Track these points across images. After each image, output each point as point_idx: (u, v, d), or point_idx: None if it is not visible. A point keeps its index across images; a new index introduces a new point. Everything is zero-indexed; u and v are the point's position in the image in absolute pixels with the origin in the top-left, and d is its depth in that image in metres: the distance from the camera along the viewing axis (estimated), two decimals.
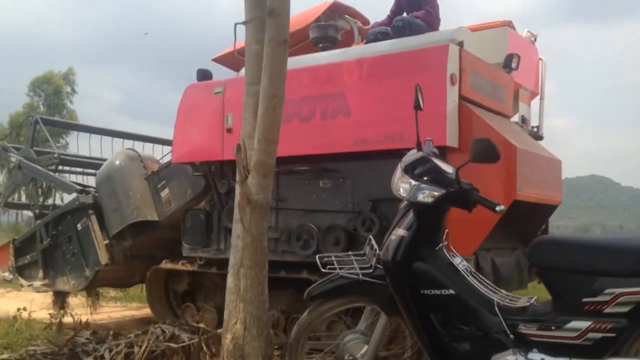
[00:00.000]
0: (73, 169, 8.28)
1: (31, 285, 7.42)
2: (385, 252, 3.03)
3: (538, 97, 6.44)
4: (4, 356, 3.55)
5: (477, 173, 4.20)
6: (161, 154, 8.02)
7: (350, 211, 4.92)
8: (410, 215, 3.03)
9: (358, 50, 5.29)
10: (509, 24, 5.76)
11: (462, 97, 4.44)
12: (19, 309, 6.35)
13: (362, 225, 4.80)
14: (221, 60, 7.11)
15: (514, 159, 4.15)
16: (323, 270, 3.17)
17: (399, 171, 3.11)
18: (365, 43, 5.86)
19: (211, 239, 5.84)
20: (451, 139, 4.33)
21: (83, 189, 7.12)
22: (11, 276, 7.72)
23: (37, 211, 7.83)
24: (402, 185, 3.05)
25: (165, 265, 6.38)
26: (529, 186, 4.37)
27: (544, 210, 4.94)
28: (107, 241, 6.78)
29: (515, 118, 5.91)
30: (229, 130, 5.48)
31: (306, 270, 5.11)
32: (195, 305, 6.44)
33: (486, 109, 4.78)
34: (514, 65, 5.33)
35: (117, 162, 6.89)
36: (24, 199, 9.06)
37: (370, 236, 3.24)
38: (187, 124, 5.86)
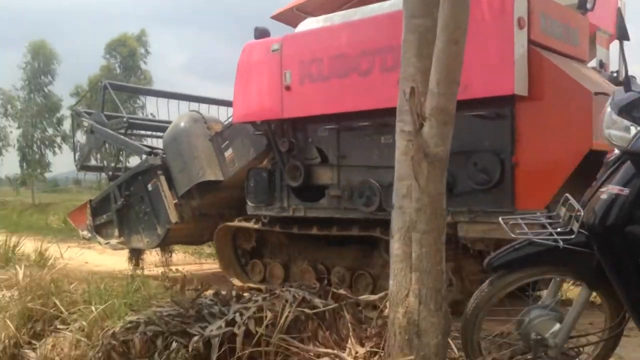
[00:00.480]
0: (143, 132, 8.47)
1: (108, 243, 7.76)
2: (591, 213, 2.54)
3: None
4: (132, 317, 3.50)
5: (551, 120, 3.98)
6: (226, 116, 8.07)
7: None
8: (629, 168, 2.49)
9: (377, 7, 5.03)
10: None
11: (531, 42, 4.15)
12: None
13: None
14: (280, 17, 6.96)
15: (590, 106, 3.86)
16: (512, 235, 2.70)
17: (608, 114, 2.60)
18: None
19: (274, 197, 5.85)
20: (520, 88, 4.07)
21: (152, 151, 7.30)
22: (90, 235, 8.09)
23: (110, 173, 8.12)
24: (616, 132, 2.53)
25: (232, 223, 6.47)
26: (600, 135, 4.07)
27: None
28: (176, 200, 6.95)
29: (593, 63, 5.55)
30: (288, 88, 5.40)
31: (379, 228, 5.04)
32: (262, 262, 6.53)
33: (559, 53, 4.46)
34: (589, 5, 4.93)
35: (182, 124, 6.98)
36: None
37: (567, 194, 2.76)
38: (246, 83, 5.81)
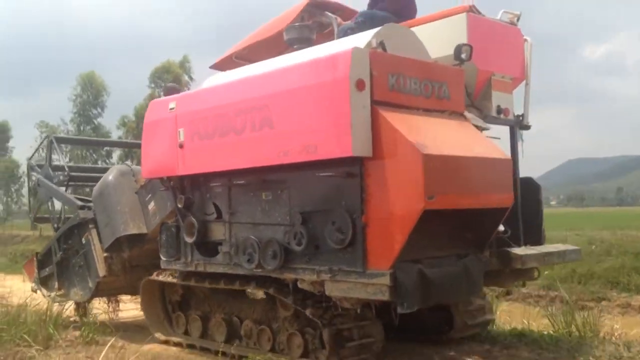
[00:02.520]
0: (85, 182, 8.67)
1: (49, 295, 7.91)
2: None
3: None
4: None
5: (391, 181, 3.99)
6: None
7: (287, 224, 4.79)
8: None
9: (279, 61, 5.13)
10: (469, 9, 5.33)
11: (375, 102, 4.17)
12: None
13: (294, 239, 4.67)
14: (220, 66, 7.13)
15: (420, 166, 3.84)
16: None
17: None
18: (337, 38, 5.68)
19: (180, 251, 5.91)
20: (361, 149, 4.08)
21: (84, 205, 7.47)
22: (36, 287, 8.26)
23: (56, 225, 8.31)
24: None
25: (152, 277, 6.54)
26: (450, 193, 4.04)
27: (492, 215, 4.55)
28: (106, 254, 7.07)
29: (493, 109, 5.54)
30: (181, 146, 5.50)
31: (254, 283, 5.07)
32: (184, 315, 6.56)
33: (418, 109, 4.47)
34: (463, 56, 4.94)
35: (110, 178, 7.15)
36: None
37: None
38: (150, 139, 5.95)
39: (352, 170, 4.26)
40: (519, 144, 5.94)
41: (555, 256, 5.23)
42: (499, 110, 5.55)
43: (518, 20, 5.97)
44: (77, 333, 6.35)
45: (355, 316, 4.80)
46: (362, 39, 4.58)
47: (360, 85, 4.07)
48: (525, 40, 5.93)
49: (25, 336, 5.62)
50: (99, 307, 8.31)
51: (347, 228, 4.27)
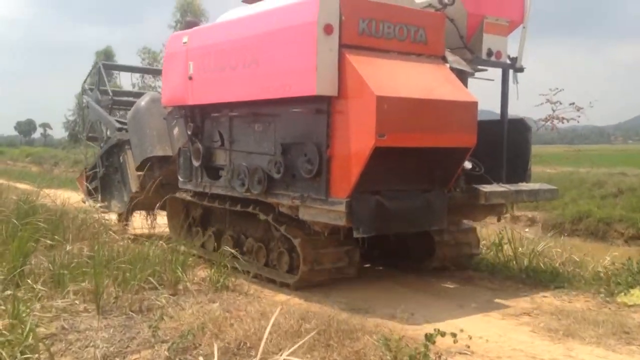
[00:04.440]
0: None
1: (94, 206, 8.89)
2: None
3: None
4: None
5: (351, 118, 4.42)
6: None
7: (271, 154, 5.31)
8: None
9: (264, 5, 5.46)
10: None
11: (344, 45, 4.52)
12: None
13: (274, 167, 5.20)
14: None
15: (373, 107, 4.22)
16: None
17: None
18: None
19: (192, 174, 6.58)
20: (325, 88, 4.49)
21: (122, 127, 8.25)
22: (85, 198, 9.27)
23: (102, 144, 9.20)
24: None
25: (174, 194, 7.29)
26: (403, 132, 4.41)
27: (454, 154, 4.89)
28: (139, 172, 7.87)
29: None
30: (190, 78, 6.05)
31: (252, 205, 5.66)
32: (202, 230, 7.30)
33: (392, 52, 4.78)
34: (447, 0, 5.14)
35: (142, 104, 7.83)
36: None
37: None
38: (168, 71, 6.54)
39: (320, 107, 4.69)
40: (514, 85, 6.11)
41: (525, 194, 5.50)
42: (490, 53, 5.72)
43: None
44: (203, 274, 5.57)
45: (329, 239, 5.31)
46: None
47: (327, 29, 4.43)
48: None
49: (152, 279, 4.85)
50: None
51: (315, 160, 4.76)
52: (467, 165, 5.23)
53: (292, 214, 5.19)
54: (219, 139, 6.14)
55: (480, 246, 6.57)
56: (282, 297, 5.14)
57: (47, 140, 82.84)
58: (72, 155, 31.46)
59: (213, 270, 5.35)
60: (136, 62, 31.55)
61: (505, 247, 6.64)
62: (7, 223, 6.02)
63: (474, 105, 4.85)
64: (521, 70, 6.07)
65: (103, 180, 8.71)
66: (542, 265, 6.36)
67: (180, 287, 5.08)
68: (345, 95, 4.49)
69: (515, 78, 6.12)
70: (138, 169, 7.74)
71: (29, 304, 4.09)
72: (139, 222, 9.20)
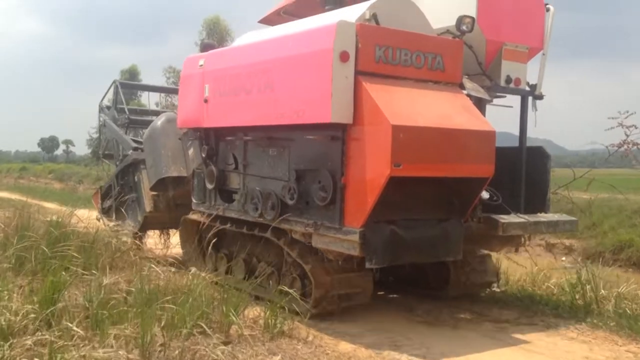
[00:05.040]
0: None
1: (108, 225, 8.89)
2: None
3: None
4: None
5: (367, 147, 4.36)
6: None
7: (285, 180, 5.25)
8: None
9: (280, 29, 5.45)
10: None
11: (360, 72, 4.47)
12: None
13: (288, 193, 5.14)
14: (268, 21, 7.54)
15: (389, 136, 4.15)
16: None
17: None
18: None
19: (205, 196, 6.54)
20: (341, 116, 4.43)
21: (138, 147, 8.26)
22: (99, 216, 9.28)
23: (117, 163, 9.22)
24: None
25: (190, 215, 7.25)
26: (419, 161, 4.33)
27: (471, 184, 4.79)
28: (153, 192, 7.86)
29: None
30: (206, 101, 6.04)
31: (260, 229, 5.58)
32: (215, 253, 7.25)
33: (409, 79, 4.72)
34: (464, 27, 5.08)
35: (158, 124, 7.84)
36: None
37: None
38: (184, 93, 6.54)
39: (335, 134, 4.64)
40: (533, 113, 6.02)
41: (544, 226, 5.38)
42: (508, 80, 5.64)
43: None
44: (253, 314, 4.95)
45: (343, 267, 5.22)
46: (357, 11, 4.83)
47: (343, 56, 4.38)
48: (547, 8, 5.89)
49: (201, 323, 4.20)
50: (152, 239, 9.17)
51: (329, 188, 4.69)
52: (485, 195, 5.12)
53: (305, 241, 5.12)
54: (233, 162, 6.11)
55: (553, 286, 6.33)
56: (345, 346, 4.66)
57: (69, 157, 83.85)
58: (95, 172, 31.76)
59: (267, 313, 4.74)
60: (161, 80, 31.98)
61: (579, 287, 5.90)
62: (37, 249, 5.68)
63: (491, 134, 4.76)
64: (540, 97, 5.98)
65: (118, 198, 8.71)
66: (628, 310, 5.53)
67: (232, 331, 4.49)
68: (360, 123, 4.43)
69: (534, 105, 6.02)
70: (152, 188, 7.72)
71: (65, 354, 3.61)
72: (152, 241, 9.23)
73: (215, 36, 29.97)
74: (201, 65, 6.17)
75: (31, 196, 15.95)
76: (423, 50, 4.80)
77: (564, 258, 13.15)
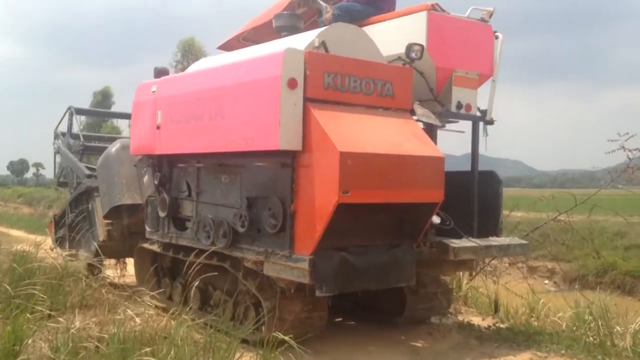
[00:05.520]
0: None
1: (62, 255, 8.66)
2: None
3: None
4: None
5: (315, 174, 4.33)
6: None
7: (236, 207, 5.19)
8: None
9: (233, 56, 5.46)
10: (432, 7, 5.48)
11: (309, 99, 4.47)
12: None
13: (239, 220, 5.07)
14: (227, 47, 7.51)
15: (336, 163, 4.14)
16: None
17: None
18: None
19: (159, 224, 6.42)
20: (289, 143, 4.41)
21: (91, 174, 8.11)
22: (53, 246, 9.04)
23: (72, 190, 9.03)
24: None
25: (143, 244, 7.10)
26: (368, 188, 4.33)
27: (421, 209, 4.81)
28: (107, 220, 7.69)
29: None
30: (158, 127, 5.96)
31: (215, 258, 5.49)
32: (170, 282, 7.10)
33: (358, 106, 4.74)
34: (413, 54, 5.14)
35: (112, 150, 7.72)
36: None
37: None
38: (137, 119, 6.46)
39: (285, 161, 4.61)
40: (483, 138, 6.10)
41: (495, 249, 5.42)
42: (459, 106, 5.71)
43: (491, 16, 6.05)
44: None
45: (296, 295, 5.15)
46: (307, 38, 4.86)
47: (291, 83, 4.38)
48: (496, 36, 6.02)
49: None
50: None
51: (279, 215, 4.65)
52: (436, 220, 5.14)
53: (257, 269, 5.05)
54: (186, 189, 6.03)
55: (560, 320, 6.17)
56: None
57: (39, 180, 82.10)
58: (64, 196, 30.93)
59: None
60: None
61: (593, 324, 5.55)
62: None
63: (440, 160, 4.80)
64: (491, 122, 6.07)
65: (71, 228, 8.51)
66: None
67: None
68: (309, 150, 4.42)
69: (485, 130, 6.11)
70: (106, 217, 7.56)
71: None
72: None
73: (190, 57, 29.91)
74: (154, 92, 6.11)
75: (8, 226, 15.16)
76: (372, 77, 4.83)
77: (546, 281, 13.14)
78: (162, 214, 6.17)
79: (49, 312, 4.97)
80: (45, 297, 5.19)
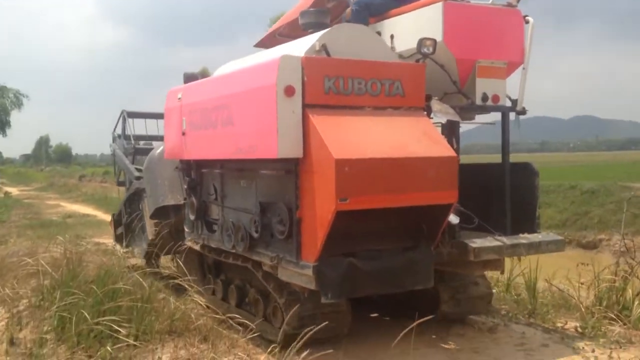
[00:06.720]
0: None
1: (121, 251, 9.11)
2: None
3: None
4: None
5: (315, 180, 4.31)
6: None
7: (252, 212, 5.24)
8: None
9: (248, 60, 5.44)
10: None
11: (308, 106, 4.41)
12: None
13: (254, 225, 5.12)
14: (263, 44, 7.58)
15: (332, 170, 4.07)
16: None
17: None
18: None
19: (194, 225, 6.60)
20: (289, 150, 4.38)
21: (139, 175, 8.44)
22: (114, 242, 9.54)
23: (126, 190, 9.46)
24: None
25: (187, 243, 7.33)
26: (368, 193, 4.23)
27: (437, 210, 4.65)
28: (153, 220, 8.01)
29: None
30: (184, 133, 6.10)
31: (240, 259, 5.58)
32: (213, 279, 7.31)
33: (365, 108, 4.63)
34: (425, 50, 4.94)
35: (155, 153, 7.99)
36: None
37: None
38: (168, 125, 6.64)
39: (289, 168, 4.59)
40: (516, 129, 5.80)
41: (524, 248, 5.14)
42: (485, 98, 5.45)
43: (519, 0, 5.70)
44: None
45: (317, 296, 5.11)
46: (307, 42, 4.78)
47: (288, 91, 4.32)
48: (527, 21, 5.67)
49: None
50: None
51: (287, 221, 4.64)
52: (454, 220, 4.95)
53: (274, 272, 5.09)
54: (214, 192, 6.14)
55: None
56: None
57: None
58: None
59: None
60: None
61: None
62: (81, 309, 4.94)
63: (451, 159, 4.59)
64: (523, 112, 5.74)
65: (127, 226, 8.93)
66: None
67: None
68: (310, 157, 4.37)
69: (517, 121, 5.80)
70: (152, 217, 7.86)
71: None
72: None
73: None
74: (179, 98, 6.25)
75: (103, 210, 15.36)
76: (378, 77, 4.68)
77: None
78: (191, 217, 6.33)
79: (134, 342, 4.74)
80: (128, 324, 4.90)
